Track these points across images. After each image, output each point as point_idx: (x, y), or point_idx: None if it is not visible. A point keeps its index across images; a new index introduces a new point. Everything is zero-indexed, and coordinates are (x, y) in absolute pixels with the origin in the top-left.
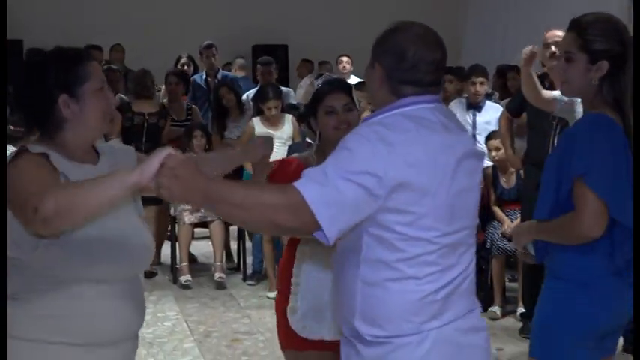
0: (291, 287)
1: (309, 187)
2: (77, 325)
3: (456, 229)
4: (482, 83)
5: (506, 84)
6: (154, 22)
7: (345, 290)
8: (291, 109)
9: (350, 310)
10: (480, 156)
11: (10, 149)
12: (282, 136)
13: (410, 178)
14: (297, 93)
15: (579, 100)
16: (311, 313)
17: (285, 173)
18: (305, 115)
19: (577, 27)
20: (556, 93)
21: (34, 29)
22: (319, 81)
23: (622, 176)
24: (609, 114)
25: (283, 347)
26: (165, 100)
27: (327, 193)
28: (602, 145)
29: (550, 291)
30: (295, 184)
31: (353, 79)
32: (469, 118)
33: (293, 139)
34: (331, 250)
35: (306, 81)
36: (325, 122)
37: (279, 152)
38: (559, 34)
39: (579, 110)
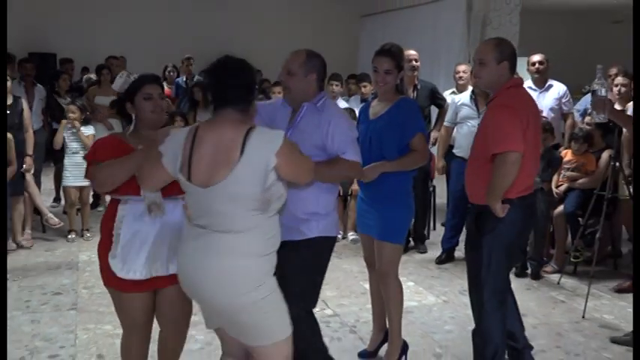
0: (113, 237)
1: (352, 152)
2: (278, 239)
3: None
4: (365, 86)
5: None
6: (148, 39)
7: (307, 198)
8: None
9: (308, 206)
10: None
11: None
12: None
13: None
14: (115, 83)
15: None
16: (128, 256)
17: (106, 147)
18: (120, 101)
19: (391, 54)
20: (446, 120)
21: (64, 45)
22: (135, 75)
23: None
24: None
25: (105, 284)
26: None
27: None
28: (418, 112)
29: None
30: (349, 157)
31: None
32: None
33: None
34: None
35: (123, 74)
36: (142, 106)
37: None
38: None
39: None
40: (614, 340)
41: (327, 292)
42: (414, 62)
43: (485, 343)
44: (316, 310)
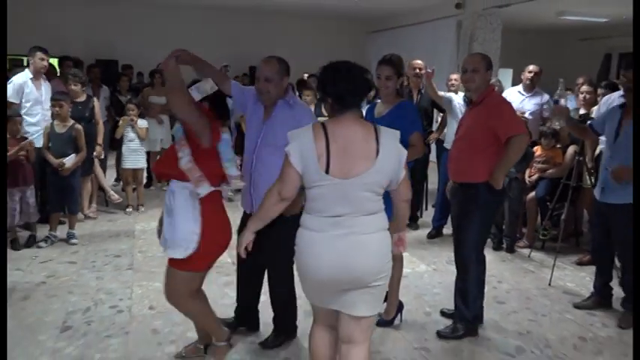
0: None
1: None
2: None
3: None
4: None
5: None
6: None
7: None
8: None
9: None
10: None
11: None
12: None
13: None
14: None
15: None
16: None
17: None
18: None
19: (391, 62)
20: (443, 93)
21: (125, 53)
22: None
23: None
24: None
25: None
26: None
27: None
28: (416, 113)
29: None
30: None
31: None
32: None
33: None
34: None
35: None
36: None
37: None
38: (419, 62)
39: (454, 103)
40: (577, 306)
41: None
42: (417, 70)
43: (466, 296)
44: None
